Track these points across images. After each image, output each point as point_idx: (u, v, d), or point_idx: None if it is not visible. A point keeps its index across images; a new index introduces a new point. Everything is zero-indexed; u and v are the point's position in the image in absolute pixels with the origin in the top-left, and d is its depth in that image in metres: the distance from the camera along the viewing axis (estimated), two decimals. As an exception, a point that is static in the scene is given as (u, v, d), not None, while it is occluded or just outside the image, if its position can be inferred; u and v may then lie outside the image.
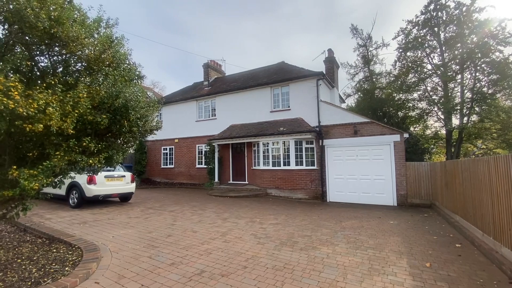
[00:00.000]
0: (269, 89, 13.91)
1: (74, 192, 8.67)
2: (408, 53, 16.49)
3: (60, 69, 4.21)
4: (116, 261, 4.16)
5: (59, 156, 3.45)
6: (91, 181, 8.48)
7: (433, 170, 9.61)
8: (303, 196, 11.60)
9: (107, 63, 4.03)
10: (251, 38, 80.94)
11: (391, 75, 19.11)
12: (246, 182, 13.96)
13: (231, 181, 14.54)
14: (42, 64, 4.33)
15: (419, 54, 16.22)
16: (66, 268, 3.77)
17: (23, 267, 3.75)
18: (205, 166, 15.58)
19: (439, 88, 15.83)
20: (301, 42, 79.93)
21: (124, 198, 10.08)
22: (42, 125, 3.00)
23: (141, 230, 6.06)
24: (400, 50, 16.42)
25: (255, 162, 13.42)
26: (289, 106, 13.24)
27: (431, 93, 16.44)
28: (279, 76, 14.12)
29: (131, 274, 3.70)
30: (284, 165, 12.06)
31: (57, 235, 5.33)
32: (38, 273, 3.58)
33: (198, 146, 16.33)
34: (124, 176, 9.61)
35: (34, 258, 4.13)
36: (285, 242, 5.30)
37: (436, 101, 15.90)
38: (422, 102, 17.67)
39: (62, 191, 8.84)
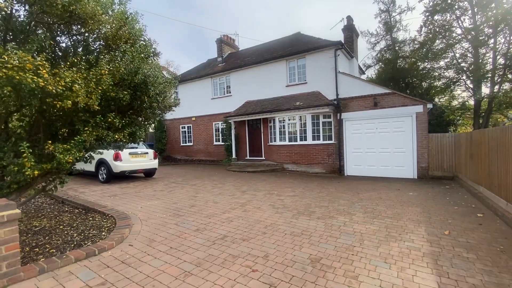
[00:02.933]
0: (284, 62, 13.55)
1: (103, 168, 9.24)
2: (436, 17, 15.24)
3: (80, 48, 4.35)
4: (146, 228, 4.51)
5: (88, 132, 3.68)
6: (117, 157, 8.97)
7: (457, 142, 9.24)
8: (320, 170, 11.65)
9: (124, 39, 4.10)
10: (264, 8, 77.49)
11: (415, 42, 17.90)
12: (263, 158, 14.16)
13: (248, 157, 14.79)
14: (63, 44, 4.49)
15: (448, 17, 14.94)
16: (103, 233, 4.16)
17: (65, 232, 4.18)
18: (223, 143, 15.88)
19: (469, 55, 14.70)
20: (317, 10, 75.56)
21: (148, 174, 10.63)
22: (70, 102, 3.18)
23: (166, 201, 6.45)
24: (427, 14, 15.20)
25: (272, 138, 13.47)
26: (305, 80, 12.91)
27: (459, 60, 15.32)
28: (295, 48, 13.65)
29: (160, 238, 4.03)
30: (301, 140, 12.04)
31: (92, 206, 5.80)
32: (79, 237, 3.99)
33: (215, 124, 16.55)
34: (147, 153, 10.06)
35: (74, 225, 4.57)
36: (303, 212, 5.47)
37: (465, 68, 14.86)
38: (449, 70, 16.58)
39: (92, 167, 9.45)
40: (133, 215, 5.26)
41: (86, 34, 4.29)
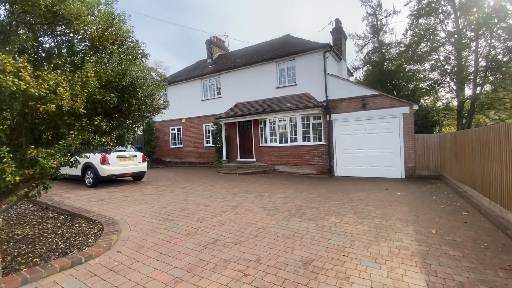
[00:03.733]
0: (274, 64, 13.60)
1: (89, 172, 8.99)
2: (421, 20, 15.68)
3: (65, 49, 4.22)
4: (134, 233, 4.41)
5: (73, 135, 3.56)
6: (104, 161, 8.75)
7: (442, 142, 9.50)
8: (311, 171, 11.74)
9: (111, 41, 4.01)
10: (253, 10, 77.72)
11: (401, 45, 18.35)
12: (254, 160, 14.14)
13: (239, 159, 14.74)
14: (47, 45, 4.34)
15: (432, 21, 15.40)
16: (90, 240, 4.03)
17: (50, 240, 4.03)
18: (213, 145, 15.77)
19: (452, 57, 15.18)
20: (306, 12, 76.45)
21: (137, 177, 10.42)
22: (54, 105, 3.08)
23: (156, 205, 6.33)
24: (412, 17, 15.63)
25: (262, 139, 13.49)
26: (295, 81, 13.00)
27: (443, 63, 15.80)
28: (285, 50, 13.73)
29: (149, 244, 3.95)
30: (291, 141, 12.10)
31: (78, 211, 5.63)
32: (64, 244, 3.85)
33: (205, 126, 16.42)
34: (135, 156, 9.87)
35: (59, 232, 4.42)
36: (294, 213, 5.48)
37: (448, 70, 15.33)
38: (433, 72, 17.07)
39: (78, 171, 9.19)
40: (121, 220, 5.13)
41: (71, 35, 4.17)
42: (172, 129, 18.30)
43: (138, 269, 3.16)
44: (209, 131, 16.27)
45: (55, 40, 3.98)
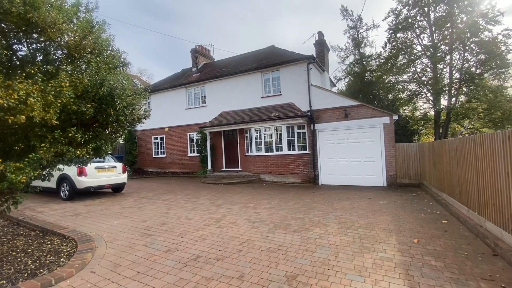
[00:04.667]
0: (259, 74, 13.73)
1: (65, 184, 8.55)
2: (399, 34, 16.41)
3: (40, 57, 4.03)
4: (111, 251, 4.18)
5: (44, 148, 3.37)
6: (81, 173, 8.36)
7: (421, 151, 9.83)
8: (296, 180, 11.76)
9: (89, 49, 3.87)
10: (238, 21, 78.87)
11: (381, 57, 19.07)
12: (240, 169, 14.02)
13: (224, 168, 14.57)
14: (21, 52, 4.14)
15: (409, 35, 16.17)
16: (62, 259, 3.77)
17: (19, 259, 3.74)
18: (198, 154, 15.53)
19: (429, 70, 15.94)
20: (289, 24, 78.48)
21: (117, 189, 10.01)
22: (24, 116, 2.90)
23: (135, 219, 6.07)
24: (391, 31, 16.33)
25: (248, 148, 13.43)
26: (280, 91, 13.15)
27: (420, 75, 16.56)
28: (270, 60, 13.91)
29: (126, 262, 3.74)
30: (277, 150, 12.13)
31: (50, 227, 5.29)
32: (33, 264, 3.58)
33: (190, 135, 16.19)
34: (115, 166, 9.50)
35: (29, 250, 4.11)
36: (279, 225, 5.41)
37: (425, 82, 16.06)
38: (411, 84, 17.83)
39: (52, 184, 8.69)
40: (97, 236, 4.86)
41: (47, 43, 3.99)
42: (155, 138, 17.89)
43: (113, 291, 2.96)
44: (193, 140, 16.03)
45: (30, 48, 3.80)
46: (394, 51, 16.88)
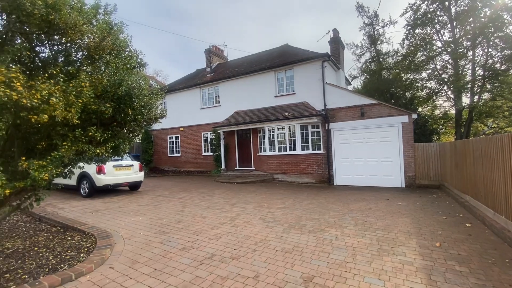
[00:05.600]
0: (273, 73, 13.65)
1: (85, 182, 8.84)
2: (417, 30, 15.87)
3: (62, 59, 4.16)
4: (129, 247, 4.26)
5: (66, 147, 3.47)
6: (100, 171, 8.61)
7: (442, 151, 9.45)
8: (310, 180, 11.62)
9: (108, 50, 3.96)
10: (251, 21, 78.93)
11: (398, 54, 18.54)
12: (253, 168, 14.01)
13: (237, 168, 14.61)
14: (43, 54, 4.29)
15: (429, 31, 15.60)
16: (82, 255, 3.88)
17: (40, 254, 3.88)
18: (211, 154, 15.66)
19: (449, 66, 15.32)
20: (303, 23, 77.72)
21: (134, 187, 10.25)
22: (47, 116, 2.99)
23: (152, 217, 6.18)
24: (409, 28, 15.82)
25: (261, 148, 13.40)
26: (293, 90, 13.03)
27: (440, 72, 15.94)
28: (283, 59, 13.81)
29: (144, 259, 3.80)
30: (290, 150, 12.02)
31: (71, 223, 5.47)
32: (54, 259, 3.70)
33: (204, 134, 16.35)
34: (132, 165, 9.73)
35: (50, 246, 4.26)
36: (293, 225, 5.34)
37: (445, 79, 15.43)
38: (431, 81, 17.20)
39: (73, 181, 9.03)
40: (115, 233, 4.98)
41: (68, 44, 4.12)
42: (170, 138, 18.20)
43: (131, 287, 3.01)
44: (207, 139, 16.18)
45: (52, 50, 3.93)
46: (412, 48, 16.34)
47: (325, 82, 11.91)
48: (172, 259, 3.79)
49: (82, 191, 8.93)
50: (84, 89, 3.39)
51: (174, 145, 18.05)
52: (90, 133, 3.66)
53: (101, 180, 8.64)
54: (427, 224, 5.30)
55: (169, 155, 18.24)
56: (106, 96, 3.83)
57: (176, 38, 76.87)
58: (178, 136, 17.75)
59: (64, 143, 3.45)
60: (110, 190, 9.84)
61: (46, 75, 3.35)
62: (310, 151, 11.75)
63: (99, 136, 3.77)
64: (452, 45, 13.96)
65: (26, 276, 3.18)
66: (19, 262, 3.59)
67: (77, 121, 3.36)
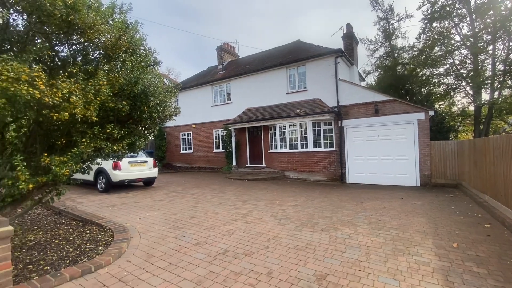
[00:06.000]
0: (284, 70, 13.56)
1: (101, 177, 9.11)
2: (434, 24, 15.35)
3: (80, 58, 4.28)
4: (144, 241, 4.37)
5: (85, 143, 3.58)
6: (116, 167, 8.85)
7: (460, 149, 9.15)
8: (322, 178, 11.52)
9: (124, 49, 4.04)
10: (263, 17, 78.46)
11: (414, 49, 17.98)
12: (264, 165, 14.04)
13: (248, 165, 14.67)
14: (62, 54, 4.43)
15: (447, 25, 15.05)
16: (100, 248, 4.01)
17: (61, 247, 4.04)
18: (223, 150, 15.77)
19: (468, 61, 14.75)
20: (316, 18, 76.55)
21: (148, 183, 10.48)
22: (67, 113, 3.09)
23: (166, 212, 6.31)
24: (425, 21, 15.31)
25: (272, 145, 13.38)
26: (305, 87, 12.90)
27: (459, 67, 15.38)
28: (295, 55, 13.68)
29: (159, 253, 3.89)
30: (302, 147, 11.95)
31: (89, 217, 5.66)
32: (74, 252, 3.85)
33: (215, 131, 16.48)
34: (146, 161, 9.94)
35: (70, 238, 4.43)
36: (306, 223, 5.33)
37: (464, 75, 14.89)
38: (448, 77, 16.64)
39: (90, 177, 9.32)
40: (131, 227, 5.12)
41: (86, 44, 4.23)
42: (182, 135, 18.45)
43: (147, 280, 3.10)
44: (219, 136, 16.30)
45: (71, 49, 4.04)
46: (429, 42, 15.82)
47: (338, 78, 11.73)
48: (186, 253, 3.87)
49: (99, 186, 9.21)
50: (102, 88, 3.48)
51: (187, 142, 18.29)
52: (108, 130, 3.77)
53: (117, 175, 8.88)
54: (444, 224, 5.17)
55: (181, 151, 18.51)
56: (123, 94, 3.92)
57: (188, 37, 77.42)
58: (190, 133, 17.96)
59: (83, 140, 3.57)
60: (125, 186, 10.09)
61: (66, 74, 3.46)
62: (322, 149, 11.64)
63: (116, 133, 3.87)
64: (472, 39, 13.42)
65: (48, 268, 3.33)
66: (41, 254, 3.76)
67: (95, 119, 3.46)
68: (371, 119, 10.81)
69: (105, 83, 3.50)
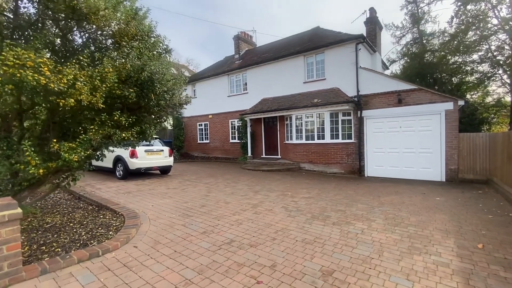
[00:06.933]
0: (302, 58, 13.10)
1: (119, 165, 9.41)
2: (469, 7, 14.11)
3: (92, 47, 4.30)
4: (153, 228, 4.43)
5: (93, 130, 3.61)
6: (133, 155, 9.08)
7: (492, 142, 8.42)
8: (339, 170, 11.16)
9: (131, 35, 3.99)
10: (283, 4, 76.40)
11: (445, 34, 16.73)
12: (279, 157, 13.85)
13: (264, 155, 14.55)
14: (76, 43, 4.48)
15: (483, 7, 13.78)
16: (110, 233, 4.11)
17: (74, 230, 4.18)
18: (238, 141, 15.75)
19: (506, 47, 13.48)
20: (338, 4, 73.32)
21: (164, 171, 10.71)
22: (73, 100, 3.11)
23: (178, 200, 6.38)
24: (459, 4, 14.13)
25: (288, 136, 13.13)
26: (324, 76, 12.40)
27: (495, 53, 14.12)
28: (314, 43, 13.14)
29: (166, 240, 3.91)
30: (319, 138, 11.60)
31: (105, 203, 5.85)
32: (86, 235, 3.96)
33: (231, 121, 16.45)
34: (162, 150, 10.12)
35: (84, 222, 4.58)
36: (317, 216, 5.15)
37: (501, 62, 13.65)
38: (483, 64, 15.37)
39: (109, 164, 9.68)
40: (143, 213, 5.21)
41: (99, 32, 4.24)
42: (199, 125, 18.63)
43: (150, 267, 3.11)
44: (235, 127, 16.27)
45: (83, 37, 4.06)
46: (462, 27, 14.64)
47: (359, 66, 11.13)
48: (192, 242, 3.85)
49: (117, 174, 9.53)
50: (109, 74, 3.46)
51: (203, 132, 18.47)
52: (116, 118, 3.77)
53: (134, 163, 9.12)
54: (469, 223, 4.77)
55: (198, 141, 18.74)
56: (130, 81, 3.89)
57: (207, 27, 77.36)
58: (207, 124, 18.09)
59: (91, 126, 3.60)
60: (143, 174, 10.37)
61: (74, 61, 3.47)
62: (340, 140, 11.23)
63: (124, 121, 3.87)
64: (511, 23, 12.16)
65: (59, 250, 3.44)
66: (55, 236, 3.90)
67: (102, 106, 3.46)
68: (393, 109, 10.21)
69: (110, 70, 3.47)
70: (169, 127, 20.09)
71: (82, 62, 3.33)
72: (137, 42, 4.00)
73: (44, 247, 3.50)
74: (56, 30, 3.66)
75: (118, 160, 9.38)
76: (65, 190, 7.07)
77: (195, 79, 18.76)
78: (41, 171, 3.29)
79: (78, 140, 3.48)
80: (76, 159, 3.47)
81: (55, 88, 2.97)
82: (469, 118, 14.85)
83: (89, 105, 3.33)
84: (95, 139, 3.65)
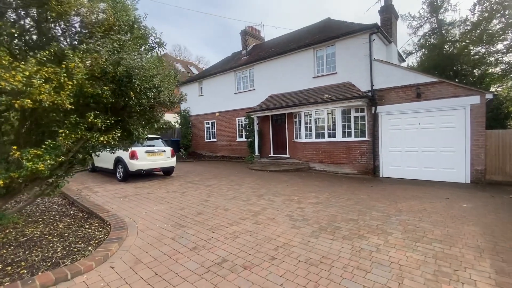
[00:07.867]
0: (311, 51, 12.35)
1: (120, 166, 9.08)
2: (495, -9, 12.86)
3: (65, 41, 3.84)
4: (139, 242, 3.97)
5: (63, 134, 3.16)
6: (133, 156, 8.72)
7: (526, 140, 7.49)
8: (351, 171, 10.43)
9: (108, 25, 3.49)
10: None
11: (467, 23, 15.51)
12: (287, 156, 13.22)
13: (271, 155, 13.96)
14: (55, 31, 4.01)
15: (511, -10, 12.51)
16: (90, 248, 3.68)
17: (51, 244, 3.77)
18: (246, 139, 15.22)
19: (538, 33, 12.20)
20: (351, -3, 71.06)
21: (167, 172, 10.33)
22: (29, 100, 2.64)
23: (174, 206, 5.92)
24: (483, -12, 12.88)
25: (297, 134, 12.47)
26: (335, 70, 11.62)
27: (525, 41, 12.84)
28: (324, 34, 12.36)
29: (148, 258, 3.43)
30: (329, 137, 10.88)
31: (96, 209, 5.46)
32: (62, 252, 3.54)
33: (238, 119, 15.92)
34: (164, 151, 9.73)
35: (65, 234, 4.18)
36: (325, 227, 4.54)
37: (532, 50, 12.39)
38: (509, 54, 14.11)
39: (110, 165, 9.39)
40: (132, 222, 4.78)
41: (58, 20, 3.72)
42: (206, 123, 18.23)
43: (122, 297, 2.63)
44: (242, 125, 15.74)
45: (47, 28, 3.59)
46: (485, 14, 13.47)
47: (373, 58, 10.29)
48: (178, 261, 3.36)
49: (117, 175, 9.22)
50: (77, 70, 2.98)
51: (210, 130, 18.05)
52: (90, 119, 3.30)
53: (134, 165, 8.76)
54: (506, 237, 4.04)
55: (206, 140, 18.35)
56: (106, 78, 3.41)
57: (217, 25, 76.91)
58: (214, 122, 17.65)
59: (61, 130, 3.14)
60: (144, 175, 10.02)
61: (39, 55, 3.00)
62: (352, 138, 10.48)
63: (100, 122, 3.39)
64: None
65: (25, 271, 3.02)
66: (26, 253, 3.50)
67: (69, 106, 2.99)
68: (411, 104, 9.36)
69: (79, 64, 2.99)
70: (177, 126, 19.78)
71: (38, 57, 2.85)
72: (114, 33, 3.50)
73: (9, 267, 3.10)
74: (17, 21, 3.21)
75: (119, 161, 9.06)
76: (62, 194, 6.76)
77: (201, 77, 18.33)
78: (1, 182, 2.86)
79: (43, 146, 3.03)
80: (42, 168, 3.02)
81: (7, 87, 2.51)
82: (494, 112, 13.67)
83: (52, 105, 2.86)
84: (66, 144, 3.19)
